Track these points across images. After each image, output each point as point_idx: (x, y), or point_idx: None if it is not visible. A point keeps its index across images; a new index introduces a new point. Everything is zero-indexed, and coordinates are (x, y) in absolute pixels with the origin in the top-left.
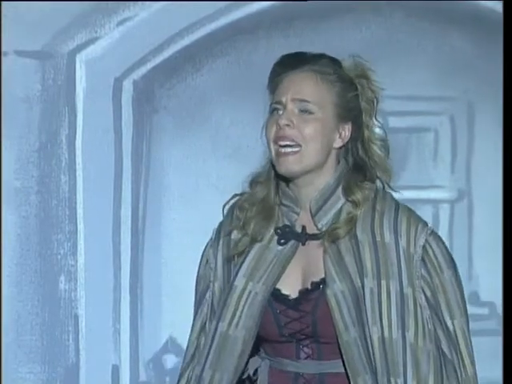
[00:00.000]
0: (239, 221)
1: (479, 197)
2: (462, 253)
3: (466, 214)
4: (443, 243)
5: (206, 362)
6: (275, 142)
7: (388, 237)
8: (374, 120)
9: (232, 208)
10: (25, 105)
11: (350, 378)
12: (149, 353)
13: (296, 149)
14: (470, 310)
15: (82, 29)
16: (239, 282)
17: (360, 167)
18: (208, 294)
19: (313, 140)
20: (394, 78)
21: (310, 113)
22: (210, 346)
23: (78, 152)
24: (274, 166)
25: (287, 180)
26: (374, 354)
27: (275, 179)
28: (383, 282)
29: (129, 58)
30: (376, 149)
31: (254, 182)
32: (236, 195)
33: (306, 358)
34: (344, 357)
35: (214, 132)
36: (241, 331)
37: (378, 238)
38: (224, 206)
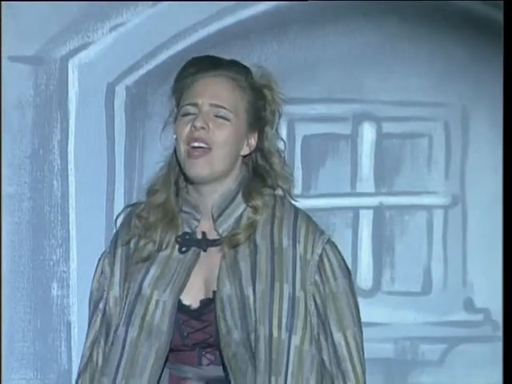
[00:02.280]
0: (138, 229)
1: (473, 202)
2: (456, 259)
3: (460, 220)
4: (339, 252)
5: (117, 372)
6: (187, 143)
7: (286, 242)
8: (275, 131)
9: (127, 218)
10: (17, 110)
11: (231, 379)
12: None
13: (207, 151)
14: (465, 316)
15: (75, 34)
16: (145, 291)
17: (260, 174)
18: (101, 305)
19: (225, 145)
20: (388, 84)
21: (226, 119)
22: (121, 355)
23: (71, 157)
24: (180, 169)
25: (188, 187)
26: (257, 353)
27: (175, 185)
28: (276, 284)
29: (121, 63)
30: (275, 159)
31: (150, 190)
32: (128, 206)
33: (208, 365)
34: (224, 357)
35: None
36: (154, 340)
37: (276, 244)
38: (116, 219)
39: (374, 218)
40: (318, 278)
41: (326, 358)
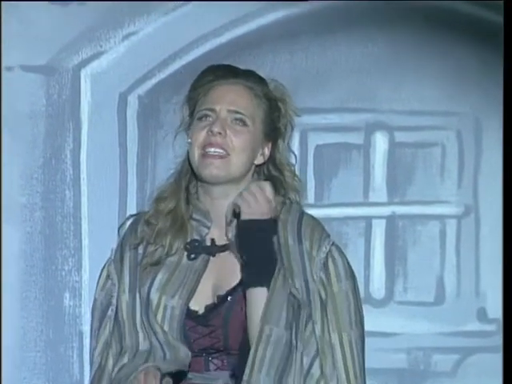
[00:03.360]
0: (147, 234)
1: (486, 212)
2: (469, 269)
3: (472, 230)
4: (344, 255)
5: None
6: (202, 148)
7: (291, 240)
8: (286, 144)
9: (133, 225)
10: (29, 120)
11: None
12: None
13: (224, 155)
14: (478, 326)
15: (87, 43)
16: (154, 296)
17: (272, 183)
18: (109, 311)
19: (242, 151)
20: (400, 94)
21: (244, 124)
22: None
23: (83, 167)
24: (192, 173)
25: (199, 192)
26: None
27: (185, 191)
28: (289, 280)
29: (134, 72)
30: (287, 172)
31: (159, 197)
32: (131, 216)
33: (215, 370)
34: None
35: None
36: (168, 349)
37: (282, 241)
38: (119, 228)
39: (387, 228)
40: (322, 275)
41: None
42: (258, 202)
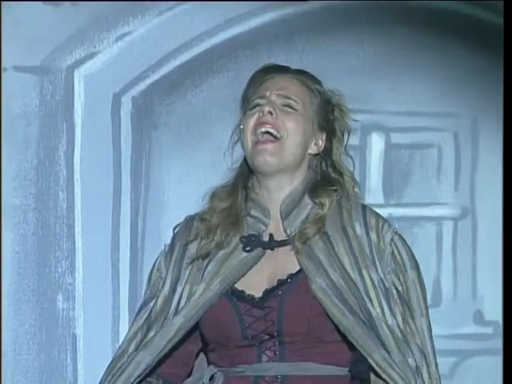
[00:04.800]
0: (201, 231)
1: (483, 214)
2: (465, 271)
3: (469, 232)
4: (407, 244)
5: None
6: (254, 132)
7: (359, 229)
8: (343, 149)
9: (189, 223)
10: (23, 121)
11: (366, 356)
12: None
13: (275, 139)
14: (475, 329)
15: (81, 44)
16: (199, 288)
17: (327, 179)
18: (151, 303)
19: (294, 133)
20: (396, 94)
21: (293, 108)
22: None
23: (77, 168)
24: (248, 167)
25: (255, 185)
26: (382, 336)
27: (243, 190)
28: (364, 272)
29: (128, 73)
30: (347, 177)
31: (215, 195)
32: (189, 216)
33: (267, 361)
34: (352, 340)
35: (215, 149)
36: (179, 319)
37: (350, 232)
38: (175, 228)
39: None
40: (393, 266)
41: (418, 342)
42: None
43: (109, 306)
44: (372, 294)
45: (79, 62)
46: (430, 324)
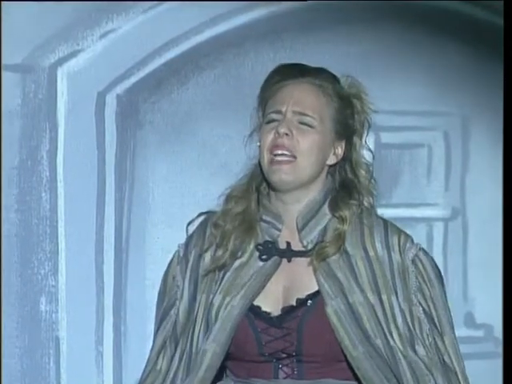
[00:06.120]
0: (215, 238)
1: (474, 215)
2: (456, 273)
3: (460, 233)
4: (432, 259)
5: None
6: (270, 151)
7: (381, 251)
8: (363, 142)
9: (202, 226)
10: (4, 120)
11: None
12: (133, 377)
13: (291, 159)
14: (466, 332)
15: (64, 41)
16: (216, 299)
17: (346, 187)
18: (173, 311)
19: (309, 153)
20: (387, 93)
21: (310, 126)
22: (180, 363)
23: (60, 169)
24: (263, 177)
25: (271, 195)
26: (399, 368)
27: (256, 193)
28: (384, 297)
29: (112, 71)
30: (362, 171)
31: (229, 198)
32: (202, 214)
33: (285, 378)
34: (358, 372)
35: (201, 148)
36: (211, 344)
37: (372, 253)
38: (188, 225)
39: None
40: (419, 284)
41: (447, 359)
42: None
43: (92, 309)
44: (390, 322)
45: (62, 60)
46: (456, 339)
